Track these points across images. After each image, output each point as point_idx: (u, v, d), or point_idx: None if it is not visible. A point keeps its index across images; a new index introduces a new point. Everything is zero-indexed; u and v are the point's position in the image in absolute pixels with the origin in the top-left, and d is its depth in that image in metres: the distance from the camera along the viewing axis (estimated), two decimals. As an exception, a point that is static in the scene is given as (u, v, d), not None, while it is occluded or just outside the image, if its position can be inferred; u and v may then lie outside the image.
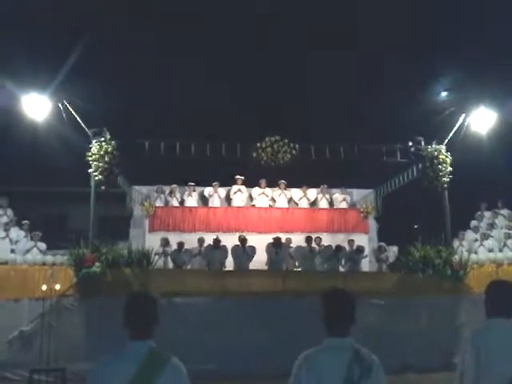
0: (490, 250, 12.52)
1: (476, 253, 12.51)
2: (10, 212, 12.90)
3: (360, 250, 12.66)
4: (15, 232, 12.20)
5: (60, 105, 11.36)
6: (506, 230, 12.98)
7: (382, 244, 13.19)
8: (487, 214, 14.00)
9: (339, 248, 12.41)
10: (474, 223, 13.76)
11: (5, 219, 12.46)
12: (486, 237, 12.86)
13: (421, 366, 9.52)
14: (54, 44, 14.07)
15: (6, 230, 12.05)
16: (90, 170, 11.78)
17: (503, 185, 14.09)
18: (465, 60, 14.84)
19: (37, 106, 11.34)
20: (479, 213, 14.04)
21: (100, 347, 7.54)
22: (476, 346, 2.91)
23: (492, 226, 13.36)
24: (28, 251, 11.74)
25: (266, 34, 16.22)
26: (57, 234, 13.35)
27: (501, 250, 12.51)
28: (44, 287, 9.12)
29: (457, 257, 11.40)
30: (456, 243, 12.87)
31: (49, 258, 11.65)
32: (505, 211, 13.85)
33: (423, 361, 9.59)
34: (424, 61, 16.19)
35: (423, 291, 10.70)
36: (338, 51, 16.61)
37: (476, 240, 13.06)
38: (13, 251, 11.71)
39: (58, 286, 9.45)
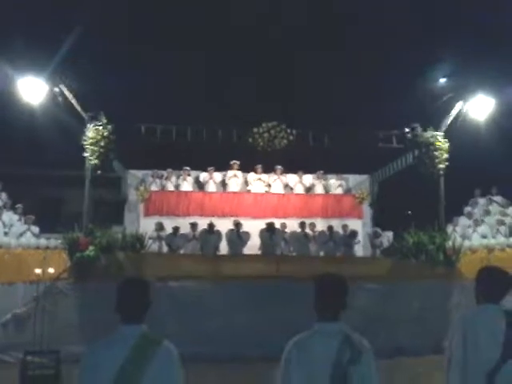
0: (484, 236, 12.61)
1: (469, 239, 12.60)
2: (4, 196, 12.86)
3: (353, 234, 12.72)
4: (8, 216, 12.17)
5: (56, 88, 11.27)
6: (500, 217, 13.05)
7: (377, 229, 13.25)
8: (481, 200, 14.07)
9: (330, 228, 12.49)
10: (467, 209, 13.83)
11: (-1, 203, 12.44)
12: (479, 223, 12.94)
13: (413, 349, 9.62)
14: (50, 27, 13.90)
15: (-1, 213, 12.03)
16: (86, 155, 11.72)
17: (497, 172, 14.12)
18: (463, 46, 14.75)
19: (33, 89, 11.24)
20: (473, 199, 14.10)
21: (94, 330, 7.62)
22: (464, 330, 2.95)
23: (487, 212, 13.43)
24: (21, 235, 11.73)
25: (263, 18, 16.07)
26: (51, 217, 13.34)
27: (494, 237, 12.59)
28: (38, 271, 9.13)
29: (450, 242, 11.48)
30: (450, 229, 12.94)
31: (42, 242, 11.65)
32: (498, 198, 13.92)
33: (415, 344, 9.70)
34: (422, 46, 16.08)
35: (416, 276, 10.80)
36: (335, 36, 16.48)
37: (469, 226, 13.14)
38: (6, 234, 11.70)
39: (51, 270, 9.47)
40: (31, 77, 11.15)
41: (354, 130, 12.86)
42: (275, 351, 3.25)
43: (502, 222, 12.78)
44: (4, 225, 11.87)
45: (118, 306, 2.63)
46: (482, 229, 12.78)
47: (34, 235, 11.88)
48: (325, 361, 2.53)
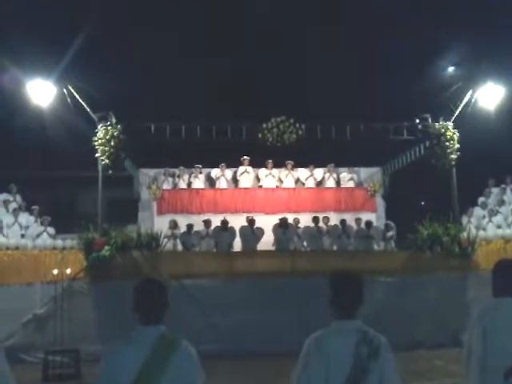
0: (499, 226, 12.49)
1: (484, 229, 12.48)
2: (18, 198, 13.00)
3: (369, 224, 12.54)
4: (24, 217, 12.32)
5: (65, 90, 11.35)
6: (514, 206, 12.92)
7: (389, 222, 13.19)
8: (495, 190, 13.93)
9: (343, 222, 12.45)
10: (481, 200, 13.69)
11: (14, 205, 12.57)
12: (494, 213, 12.81)
13: (430, 342, 9.60)
14: (57, 30, 14.01)
15: (15, 215, 12.15)
16: (97, 155, 11.81)
17: (511, 160, 13.96)
18: (472, 34, 14.60)
19: (42, 92, 11.34)
20: (487, 189, 13.97)
21: (111, 329, 7.70)
22: (483, 324, 2.94)
23: (501, 202, 13.30)
24: (38, 236, 11.87)
25: (267, 11, 16.03)
26: (66, 218, 13.46)
27: (509, 226, 12.47)
28: (55, 271, 9.24)
29: (465, 234, 11.38)
30: (464, 220, 12.84)
31: (59, 243, 11.79)
32: (513, 186, 13.77)
33: (432, 337, 9.67)
34: (430, 35, 15.94)
35: (431, 269, 10.72)
36: (343, 26, 16.39)
37: (484, 216, 13.01)
38: (23, 236, 11.84)
39: (68, 270, 9.57)
40: (39, 79, 11.25)
41: (364, 122, 12.79)
42: (291, 348, 3.26)
43: (516, 212, 12.66)
44: (21, 227, 12.03)
45: (136, 306, 2.65)
46: (497, 219, 12.67)
47: (51, 236, 12.01)
48: (344, 358, 2.54)
